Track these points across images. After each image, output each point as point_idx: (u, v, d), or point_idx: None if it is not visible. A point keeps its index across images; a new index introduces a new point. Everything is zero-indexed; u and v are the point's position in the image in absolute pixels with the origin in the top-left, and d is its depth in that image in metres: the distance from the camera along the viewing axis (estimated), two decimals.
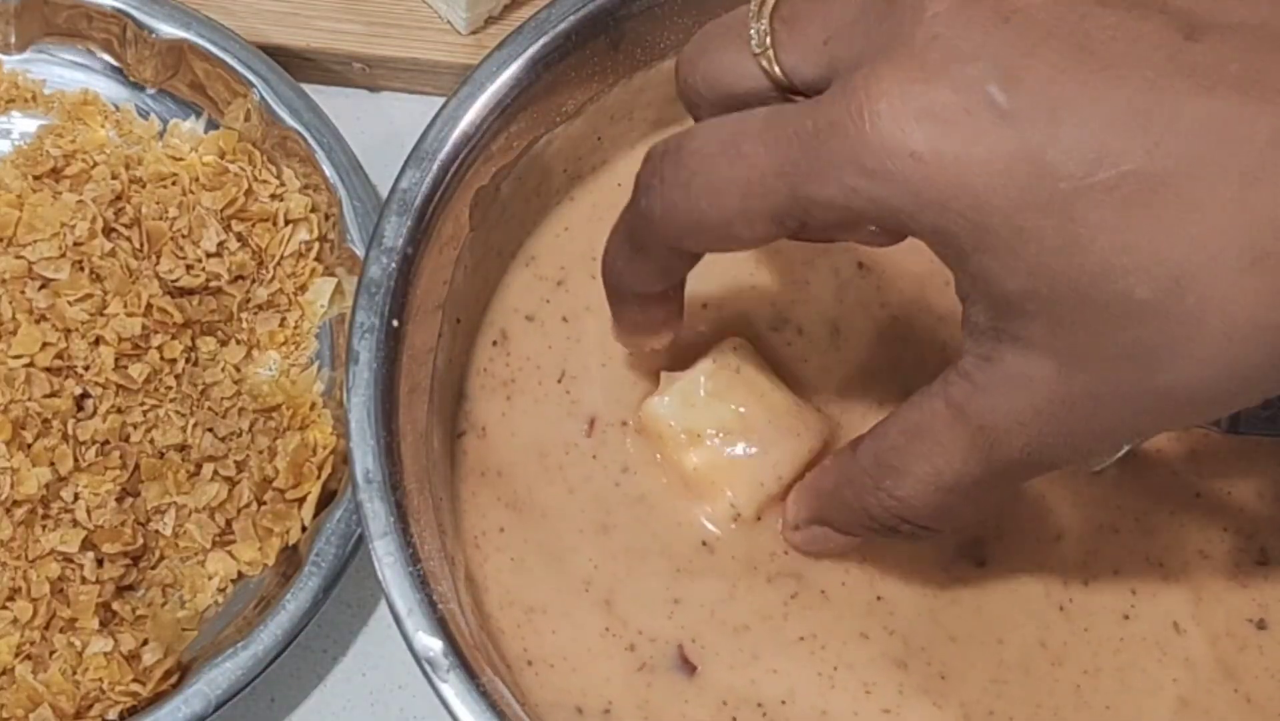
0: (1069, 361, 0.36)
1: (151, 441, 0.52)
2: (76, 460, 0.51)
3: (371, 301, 0.45)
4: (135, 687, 0.49)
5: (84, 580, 0.50)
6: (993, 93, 0.34)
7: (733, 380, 0.47)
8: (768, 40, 0.39)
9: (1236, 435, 0.47)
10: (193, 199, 0.55)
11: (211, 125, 0.58)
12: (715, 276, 0.49)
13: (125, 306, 0.52)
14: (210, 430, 0.52)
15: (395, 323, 0.45)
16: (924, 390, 0.39)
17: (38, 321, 0.52)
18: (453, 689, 0.41)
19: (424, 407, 0.46)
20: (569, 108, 0.50)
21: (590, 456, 0.48)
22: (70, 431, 0.51)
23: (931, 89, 0.35)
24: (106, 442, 0.51)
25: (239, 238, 0.55)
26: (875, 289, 0.50)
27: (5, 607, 0.49)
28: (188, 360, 0.53)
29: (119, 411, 0.51)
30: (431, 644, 0.42)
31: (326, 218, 0.56)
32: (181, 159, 0.56)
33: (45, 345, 0.51)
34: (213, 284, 0.54)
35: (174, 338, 0.53)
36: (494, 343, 0.49)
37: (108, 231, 0.54)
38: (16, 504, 0.50)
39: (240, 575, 0.52)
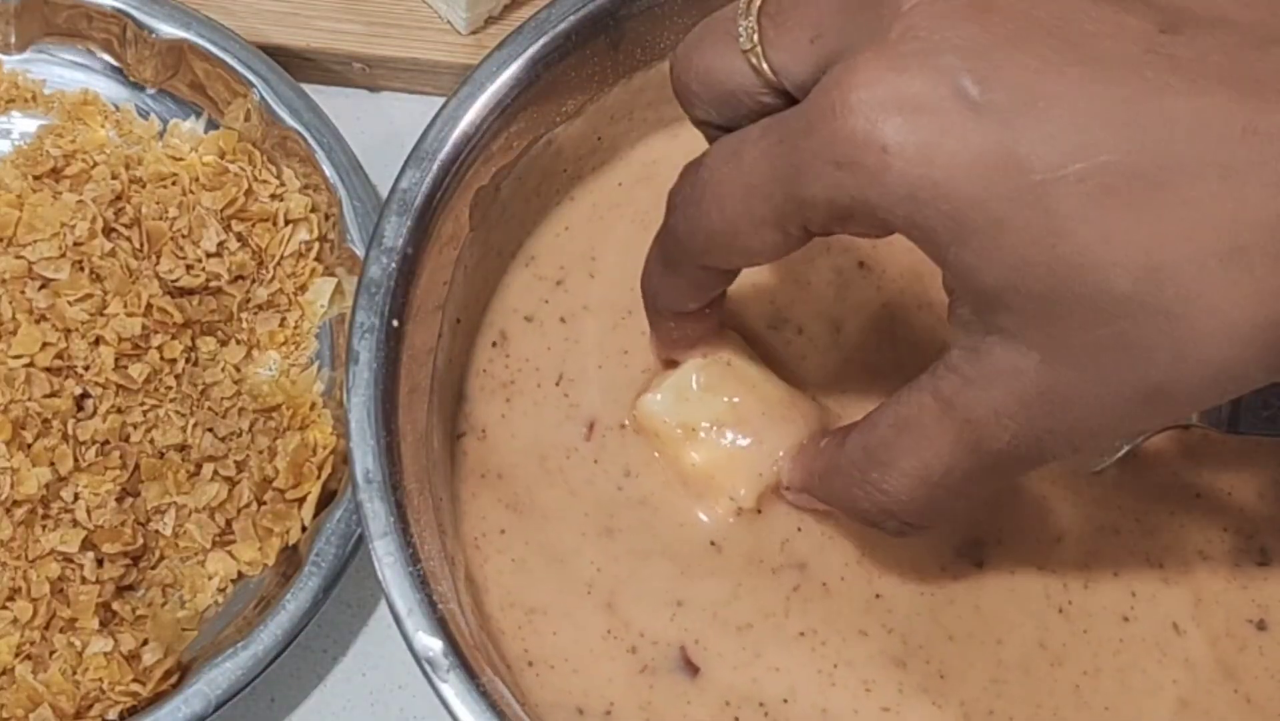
0: (1052, 354, 0.36)
1: (151, 441, 0.52)
2: (76, 460, 0.51)
3: (371, 301, 0.45)
4: (135, 687, 0.49)
5: (84, 580, 0.50)
6: (965, 85, 0.34)
7: (724, 373, 0.47)
8: (755, 37, 0.39)
9: (1236, 435, 0.46)
10: (193, 199, 0.55)
11: (211, 125, 0.58)
12: None
13: (125, 306, 0.52)
14: (210, 430, 0.52)
15: (395, 323, 0.45)
16: (912, 384, 0.39)
17: (38, 321, 0.52)
18: (453, 689, 0.41)
19: (424, 408, 0.46)
20: (569, 108, 0.50)
21: (591, 461, 0.48)
22: (70, 431, 0.51)
23: (904, 81, 0.34)
24: (106, 442, 0.51)
25: (239, 238, 0.55)
26: (876, 288, 0.50)
27: (5, 607, 0.49)
28: (188, 360, 0.53)
29: (119, 411, 0.51)
30: (431, 644, 0.42)
31: (326, 218, 0.56)
32: (181, 159, 0.56)
33: (45, 345, 0.51)
34: (213, 284, 0.54)
35: (174, 338, 0.53)
36: (493, 343, 0.49)
37: (108, 231, 0.53)
38: (16, 504, 0.50)
39: (240, 575, 0.52)
